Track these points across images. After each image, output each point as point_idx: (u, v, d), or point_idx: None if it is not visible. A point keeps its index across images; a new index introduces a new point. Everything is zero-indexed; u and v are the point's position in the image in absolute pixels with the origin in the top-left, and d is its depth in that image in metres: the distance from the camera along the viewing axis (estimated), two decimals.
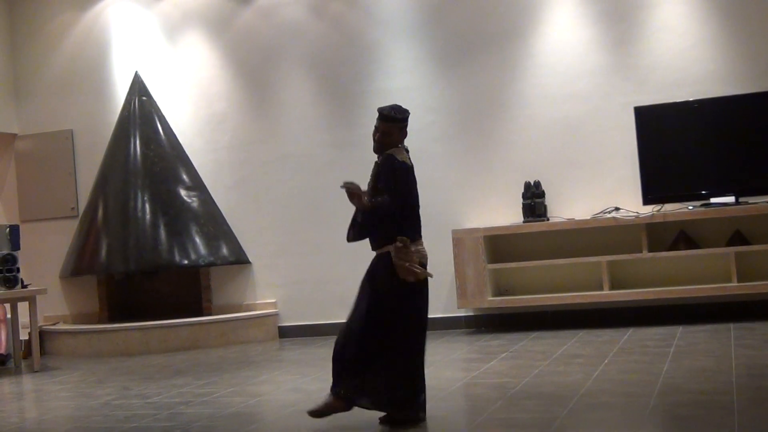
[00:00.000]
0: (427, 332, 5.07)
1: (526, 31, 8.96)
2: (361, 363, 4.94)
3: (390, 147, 5.00)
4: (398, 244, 4.89)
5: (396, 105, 5.10)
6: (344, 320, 5.11)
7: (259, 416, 5.74)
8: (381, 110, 5.03)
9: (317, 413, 4.99)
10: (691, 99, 8.35)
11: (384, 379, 4.91)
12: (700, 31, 8.49)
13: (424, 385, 5.03)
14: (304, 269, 9.54)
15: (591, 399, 5.18)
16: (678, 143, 8.35)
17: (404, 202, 4.96)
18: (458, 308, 8.76)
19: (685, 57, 8.51)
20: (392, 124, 4.99)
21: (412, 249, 4.93)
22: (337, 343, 5.03)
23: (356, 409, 4.99)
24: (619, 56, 8.70)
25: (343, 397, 4.96)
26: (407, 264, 4.88)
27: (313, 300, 9.49)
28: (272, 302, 9.71)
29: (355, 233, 5.08)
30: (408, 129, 5.09)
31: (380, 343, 4.92)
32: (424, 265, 4.99)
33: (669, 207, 8.26)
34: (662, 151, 8.36)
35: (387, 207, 4.89)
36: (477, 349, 7.61)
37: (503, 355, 7.12)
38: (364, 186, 5.00)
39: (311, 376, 6.85)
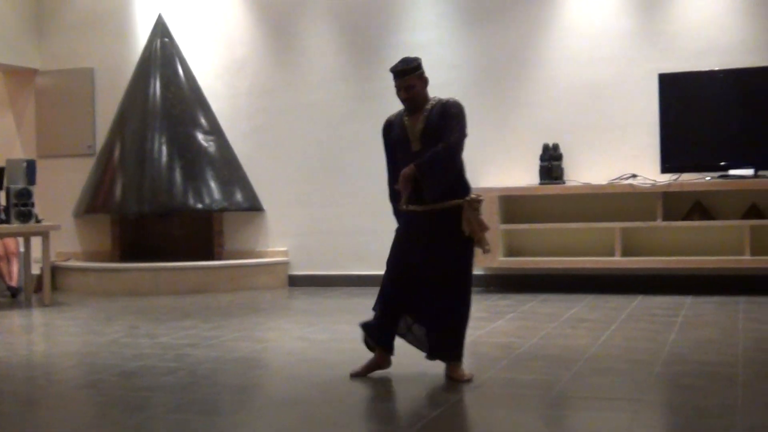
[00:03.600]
0: None
1: None
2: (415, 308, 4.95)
3: (423, 99, 4.96)
4: (478, 197, 4.88)
5: (402, 58, 5.03)
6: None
7: (265, 362, 5.78)
8: (393, 69, 4.94)
9: (359, 374, 4.97)
10: (717, 68, 8.25)
11: (448, 327, 4.90)
12: None
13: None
14: (317, 220, 9.54)
15: (596, 363, 5.19)
16: (700, 113, 8.28)
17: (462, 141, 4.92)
18: None
19: (713, 25, 8.39)
20: (410, 76, 4.94)
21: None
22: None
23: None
24: (646, 21, 8.59)
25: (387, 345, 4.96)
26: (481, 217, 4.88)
27: (325, 250, 9.49)
28: (283, 250, 9.73)
29: (430, 188, 4.80)
30: (429, 86, 5.03)
31: (452, 293, 4.90)
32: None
33: (686, 177, 8.20)
34: (684, 119, 8.29)
35: (458, 144, 4.85)
36: (485, 308, 7.62)
37: (511, 315, 7.13)
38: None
39: (318, 325, 6.88)
